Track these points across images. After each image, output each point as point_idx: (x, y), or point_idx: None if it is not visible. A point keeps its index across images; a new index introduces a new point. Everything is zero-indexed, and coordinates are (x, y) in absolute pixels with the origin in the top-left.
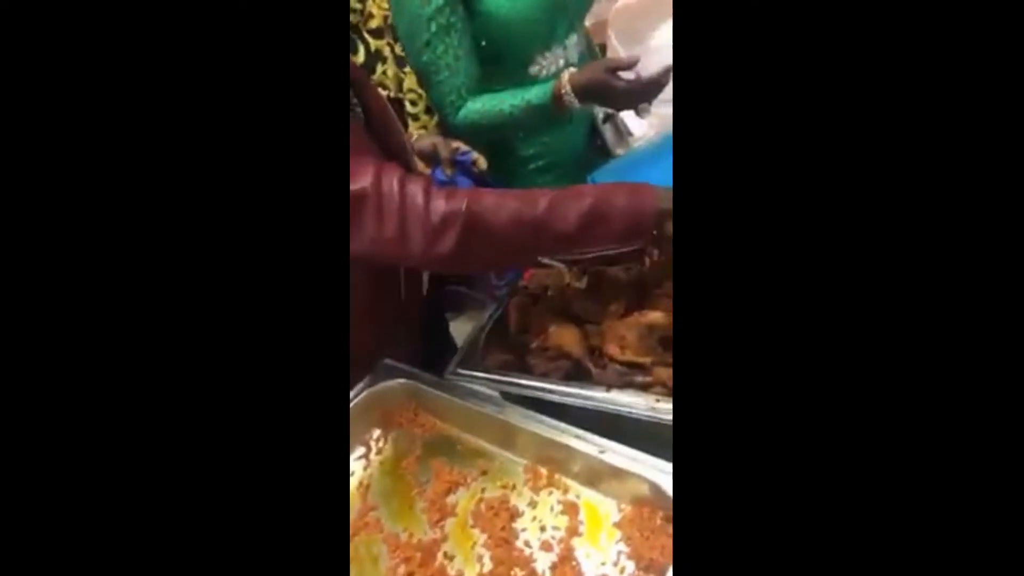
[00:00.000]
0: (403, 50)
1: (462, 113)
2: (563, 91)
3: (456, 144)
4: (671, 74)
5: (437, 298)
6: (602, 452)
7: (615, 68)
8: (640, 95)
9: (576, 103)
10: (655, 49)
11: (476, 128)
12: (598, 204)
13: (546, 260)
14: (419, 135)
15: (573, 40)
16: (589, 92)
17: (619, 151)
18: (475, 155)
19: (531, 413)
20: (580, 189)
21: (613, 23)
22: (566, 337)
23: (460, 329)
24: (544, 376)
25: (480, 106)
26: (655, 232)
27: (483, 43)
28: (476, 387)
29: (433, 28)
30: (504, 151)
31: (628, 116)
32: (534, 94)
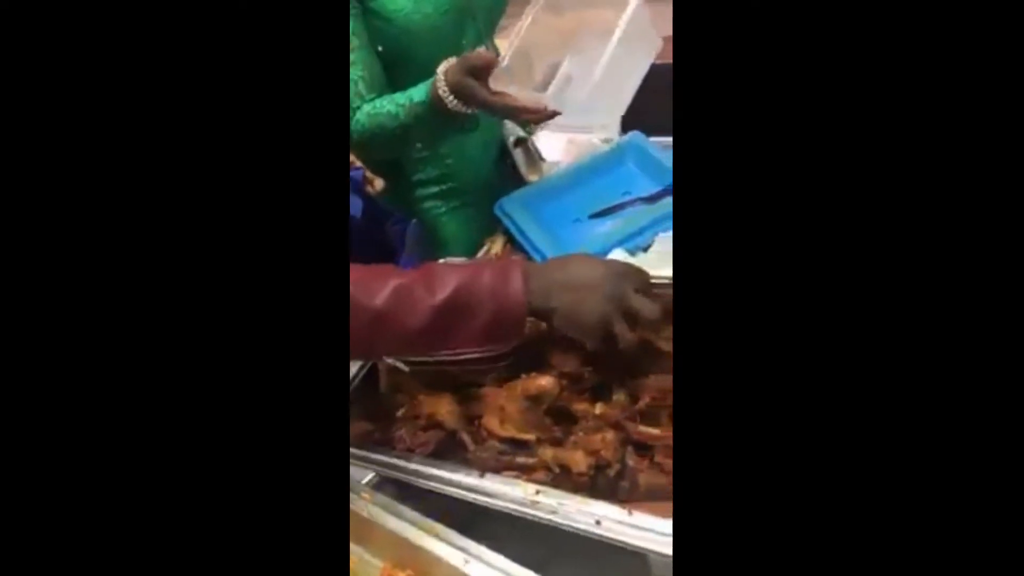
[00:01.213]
0: None
1: (355, 118)
2: (439, 88)
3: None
4: (566, 105)
5: None
6: (467, 562)
7: (473, 68)
8: (515, 111)
9: (455, 102)
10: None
11: (366, 136)
12: (460, 292)
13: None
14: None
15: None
16: (460, 92)
17: (531, 177)
18: (368, 174)
19: (390, 502)
20: (443, 271)
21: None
22: (440, 404)
23: None
24: (409, 452)
25: (369, 107)
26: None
27: (379, 48)
28: None
29: None
30: (399, 172)
31: (542, 138)
32: (416, 90)
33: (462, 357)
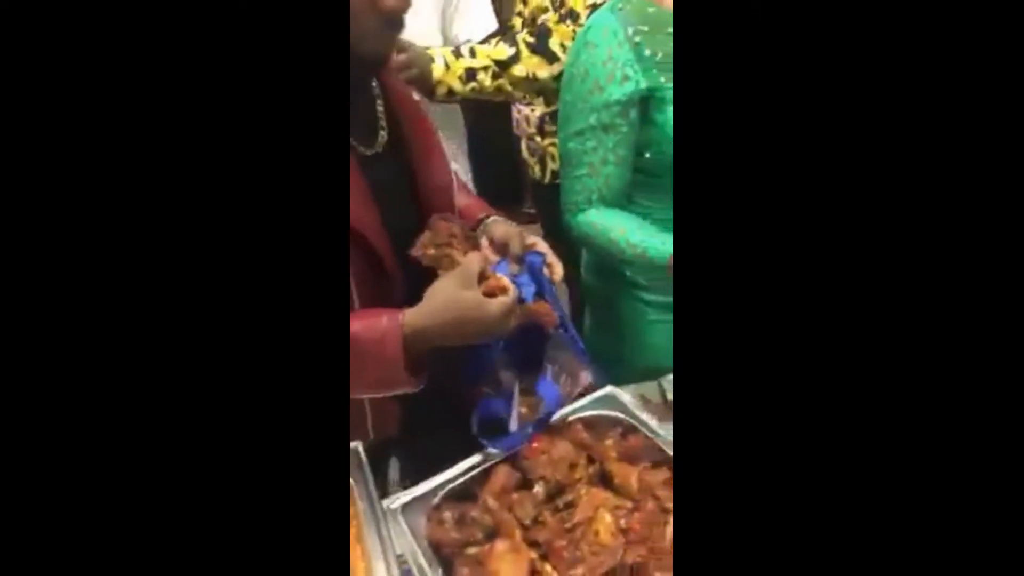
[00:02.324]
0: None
1: (580, 217)
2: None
3: (532, 240)
4: None
5: None
6: None
7: None
8: None
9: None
10: None
11: (584, 241)
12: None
13: None
14: (494, 219)
15: None
16: None
17: None
18: (551, 258)
19: None
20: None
21: None
22: None
23: None
24: None
25: (600, 220)
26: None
27: (647, 154)
28: None
29: (592, 121)
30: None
31: None
32: (655, 245)
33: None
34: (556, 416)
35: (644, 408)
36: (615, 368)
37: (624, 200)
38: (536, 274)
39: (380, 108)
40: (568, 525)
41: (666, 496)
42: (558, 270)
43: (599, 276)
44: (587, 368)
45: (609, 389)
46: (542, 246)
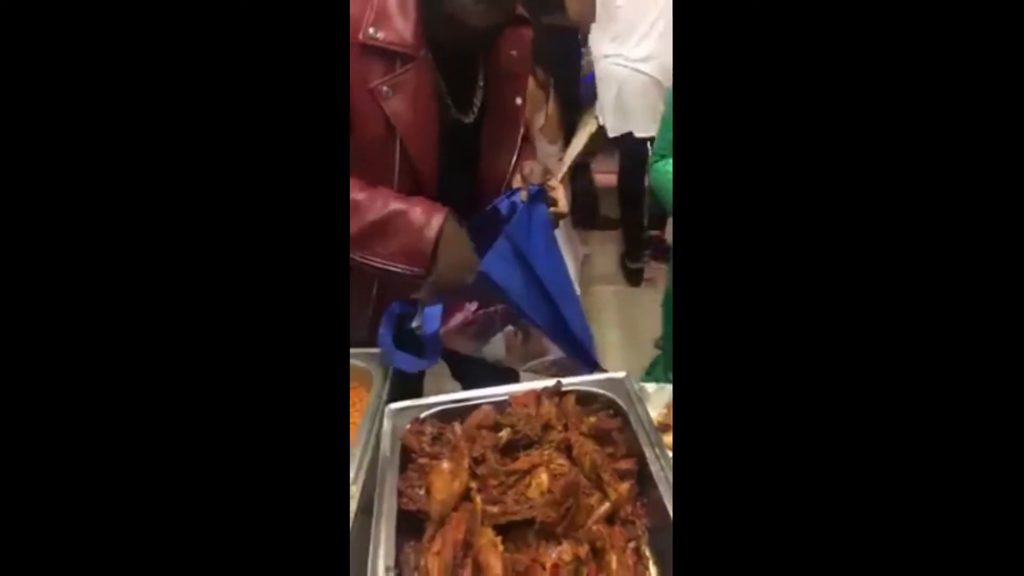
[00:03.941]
0: None
1: (656, 165)
2: None
3: (549, 176)
4: None
5: None
6: None
7: None
8: None
9: None
10: None
11: (653, 189)
12: (390, 217)
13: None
14: (532, 163)
15: None
16: None
17: None
18: (556, 193)
19: None
20: (386, 196)
21: None
22: None
23: None
24: None
25: (667, 170)
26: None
27: None
28: None
29: None
30: None
31: None
32: None
33: (383, 267)
34: (562, 383)
35: (659, 407)
36: None
37: None
38: (542, 200)
39: (480, 83)
40: (506, 469)
41: (611, 480)
42: (562, 205)
43: None
44: (553, 341)
45: (622, 374)
46: (555, 183)
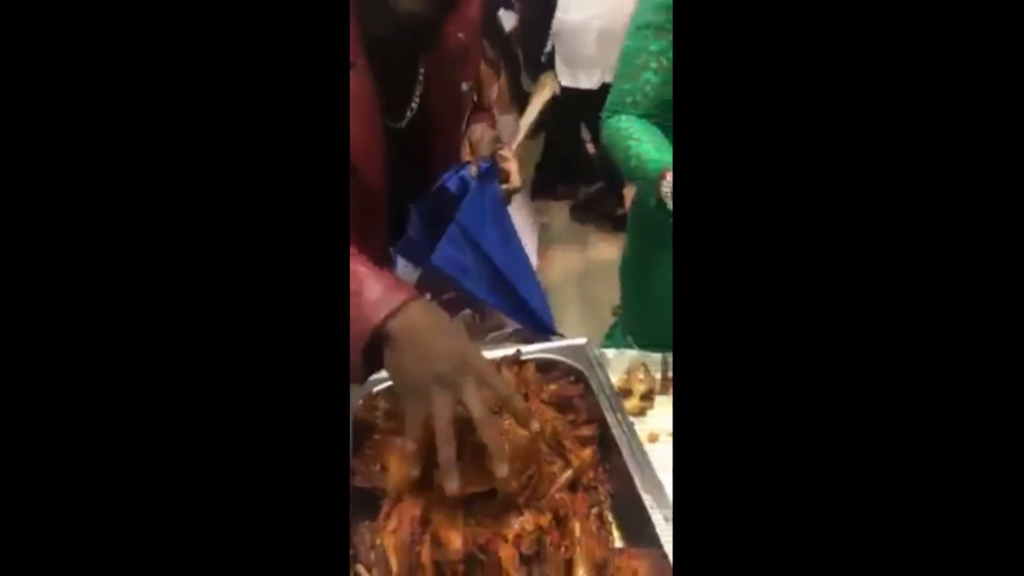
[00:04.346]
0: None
1: (609, 121)
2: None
3: (501, 147)
4: None
5: None
6: None
7: None
8: None
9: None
10: None
11: (606, 146)
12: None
13: None
14: (477, 125)
15: None
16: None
17: None
18: (509, 165)
19: None
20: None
21: None
22: None
23: None
24: None
25: (623, 126)
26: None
27: None
28: None
29: (650, 18)
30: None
31: None
32: (655, 158)
33: None
34: (520, 352)
35: (619, 371)
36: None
37: (664, 112)
38: (494, 175)
39: (418, 91)
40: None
41: (573, 447)
42: (514, 179)
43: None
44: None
45: (583, 341)
46: (507, 153)
